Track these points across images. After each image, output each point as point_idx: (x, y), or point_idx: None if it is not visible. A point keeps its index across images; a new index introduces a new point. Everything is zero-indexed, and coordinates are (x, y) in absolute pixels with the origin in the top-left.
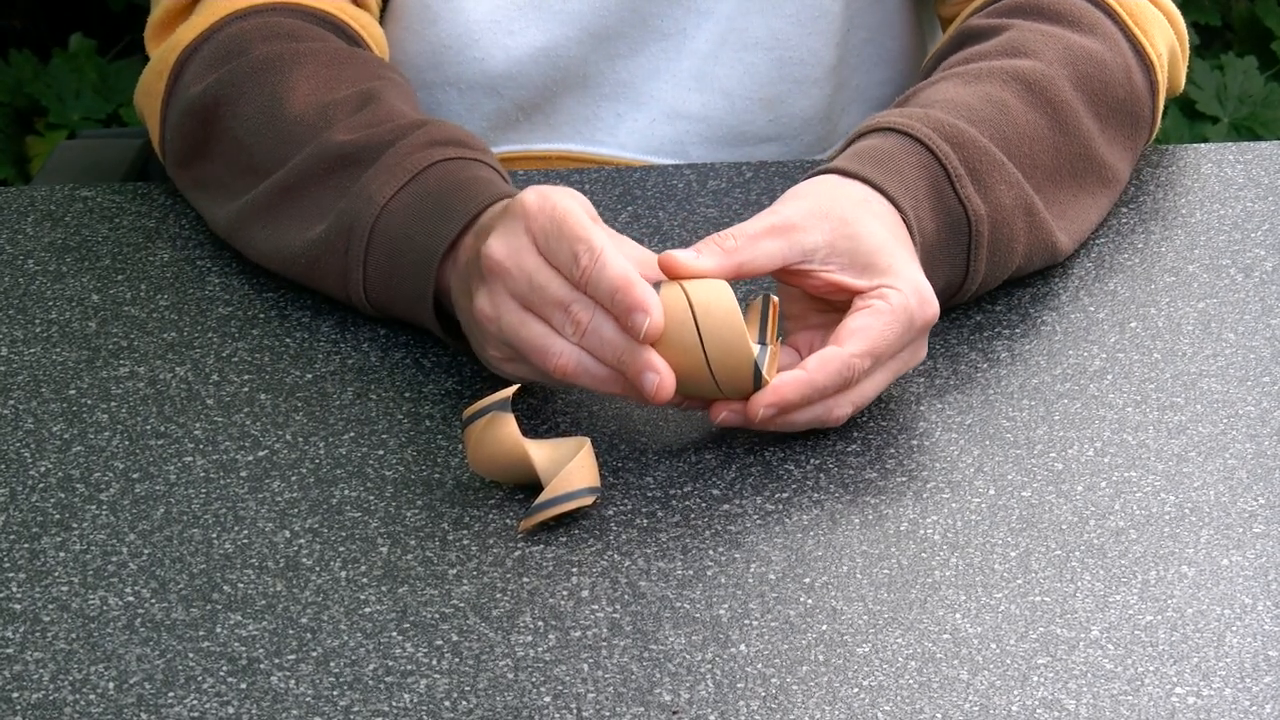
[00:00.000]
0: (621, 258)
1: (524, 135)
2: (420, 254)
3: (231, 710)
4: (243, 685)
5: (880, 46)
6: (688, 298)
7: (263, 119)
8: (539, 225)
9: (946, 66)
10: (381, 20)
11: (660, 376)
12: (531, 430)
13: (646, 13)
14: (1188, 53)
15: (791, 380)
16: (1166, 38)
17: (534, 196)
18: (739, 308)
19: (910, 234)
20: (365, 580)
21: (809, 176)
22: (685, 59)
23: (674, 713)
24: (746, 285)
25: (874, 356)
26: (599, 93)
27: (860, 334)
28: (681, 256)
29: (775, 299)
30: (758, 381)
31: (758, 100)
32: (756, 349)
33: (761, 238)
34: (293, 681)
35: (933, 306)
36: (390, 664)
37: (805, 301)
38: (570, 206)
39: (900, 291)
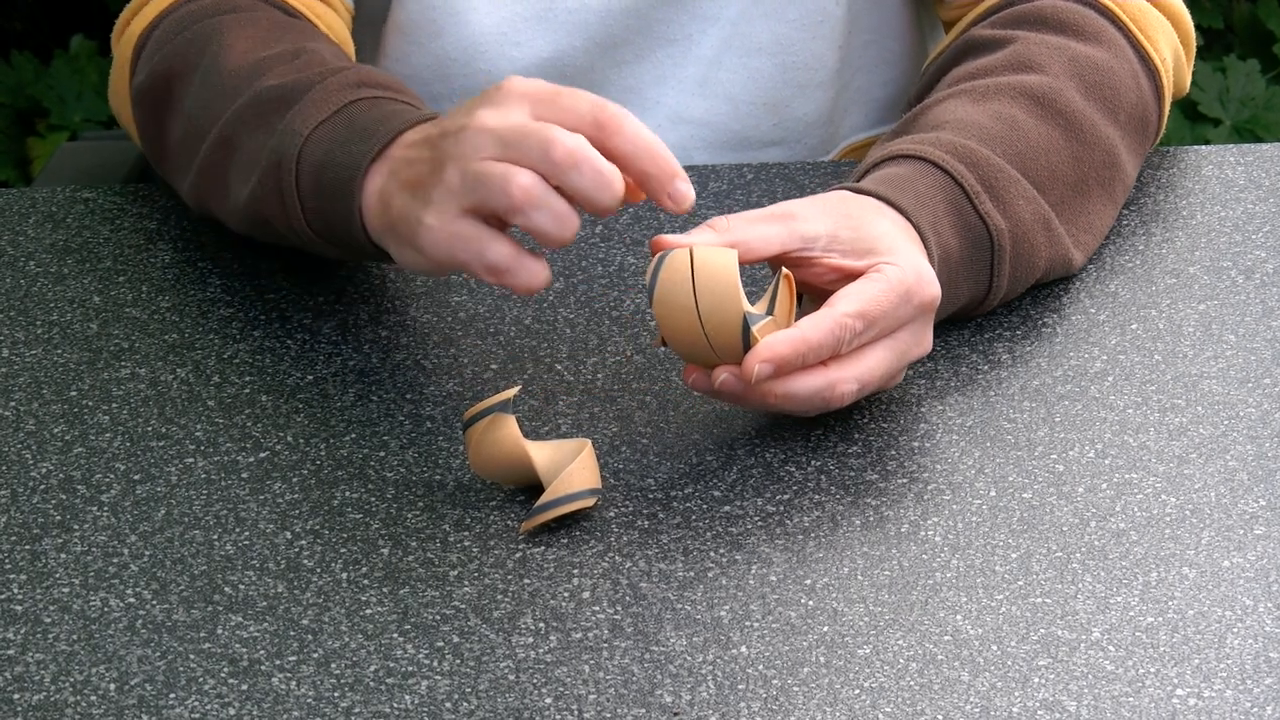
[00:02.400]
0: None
1: None
2: (342, 171)
3: (233, 712)
4: (244, 687)
5: (882, 48)
6: (691, 255)
7: (203, 79)
8: (534, 97)
9: (953, 80)
10: (384, 34)
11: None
12: (532, 432)
13: (652, 19)
14: (1193, 52)
15: (784, 336)
16: (1170, 41)
17: (520, 79)
18: (738, 271)
19: (926, 246)
20: (366, 582)
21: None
22: (690, 65)
23: (675, 714)
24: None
25: (866, 318)
26: (605, 97)
27: (853, 296)
28: (672, 238)
29: (789, 273)
30: (747, 341)
31: (761, 105)
32: (754, 314)
33: (759, 221)
34: (294, 683)
35: (933, 287)
36: (391, 665)
37: (812, 303)
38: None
39: (898, 266)
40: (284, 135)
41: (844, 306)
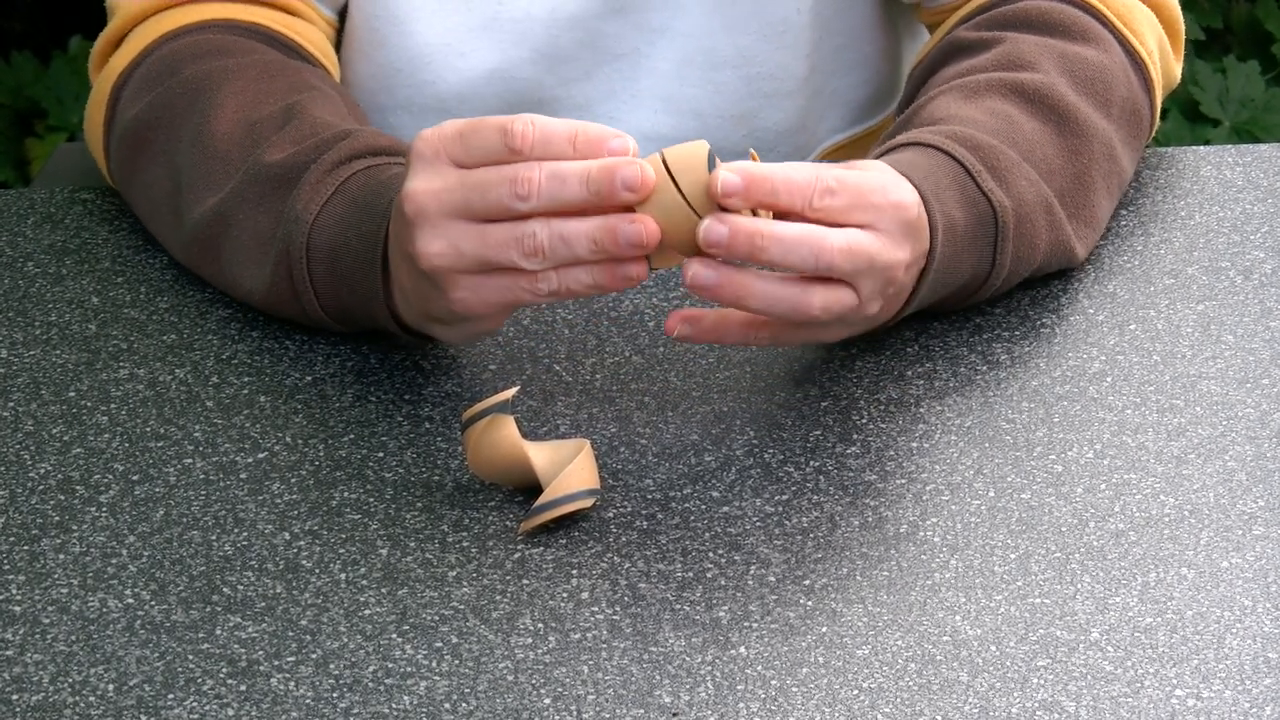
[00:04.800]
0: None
1: None
2: (357, 256)
3: (231, 712)
4: (242, 687)
5: (855, 51)
6: (663, 156)
7: (193, 139)
8: (447, 141)
9: (941, 82)
10: (339, 43)
11: (640, 173)
12: (531, 432)
13: (598, 32)
14: (1181, 41)
15: (758, 166)
16: (1155, 33)
17: (428, 130)
18: (708, 149)
19: (929, 213)
20: (365, 582)
21: None
22: (643, 79)
23: (674, 715)
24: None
25: (840, 182)
26: (556, 115)
27: (831, 168)
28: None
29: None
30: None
31: (730, 118)
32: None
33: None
34: (292, 684)
35: (911, 194)
36: (390, 666)
37: None
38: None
39: (875, 168)
40: (288, 223)
41: (824, 168)
